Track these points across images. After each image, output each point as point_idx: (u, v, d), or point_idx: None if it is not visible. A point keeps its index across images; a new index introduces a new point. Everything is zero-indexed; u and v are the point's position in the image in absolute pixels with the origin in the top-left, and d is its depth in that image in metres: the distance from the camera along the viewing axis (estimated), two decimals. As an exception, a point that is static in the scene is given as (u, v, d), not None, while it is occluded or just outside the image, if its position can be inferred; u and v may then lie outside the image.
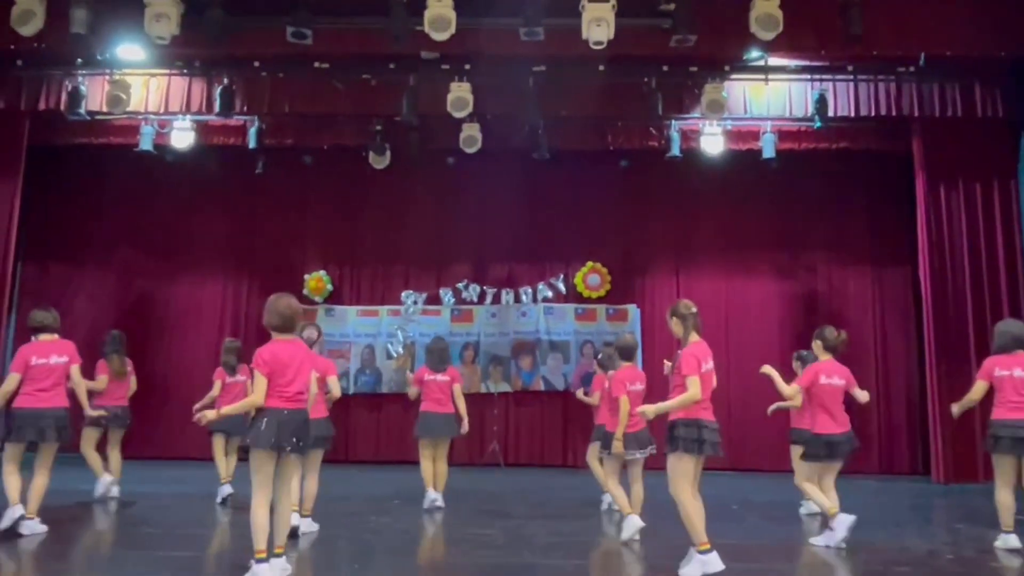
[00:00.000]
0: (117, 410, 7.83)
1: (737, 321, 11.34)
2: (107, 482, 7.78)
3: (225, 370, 7.87)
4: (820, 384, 6.14)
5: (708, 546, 5.04)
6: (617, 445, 6.09)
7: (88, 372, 7.41)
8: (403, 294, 11.65)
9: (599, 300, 11.56)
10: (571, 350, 11.36)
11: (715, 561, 5.01)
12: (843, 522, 5.92)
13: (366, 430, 11.32)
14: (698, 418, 5.11)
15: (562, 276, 11.60)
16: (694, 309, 5.29)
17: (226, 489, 7.75)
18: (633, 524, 6.13)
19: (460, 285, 11.61)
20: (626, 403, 6.07)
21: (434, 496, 7.55)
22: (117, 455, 8.01)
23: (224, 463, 7.86)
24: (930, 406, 9.98)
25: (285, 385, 4.84)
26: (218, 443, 7.86)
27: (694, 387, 5.03)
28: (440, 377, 7.64)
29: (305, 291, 11.54)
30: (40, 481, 6.10)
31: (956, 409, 6.42)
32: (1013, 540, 5.92)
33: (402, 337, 11.46)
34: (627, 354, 6.41)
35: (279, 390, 4.83)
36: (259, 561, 4.70)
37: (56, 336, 6.31)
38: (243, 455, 5.01)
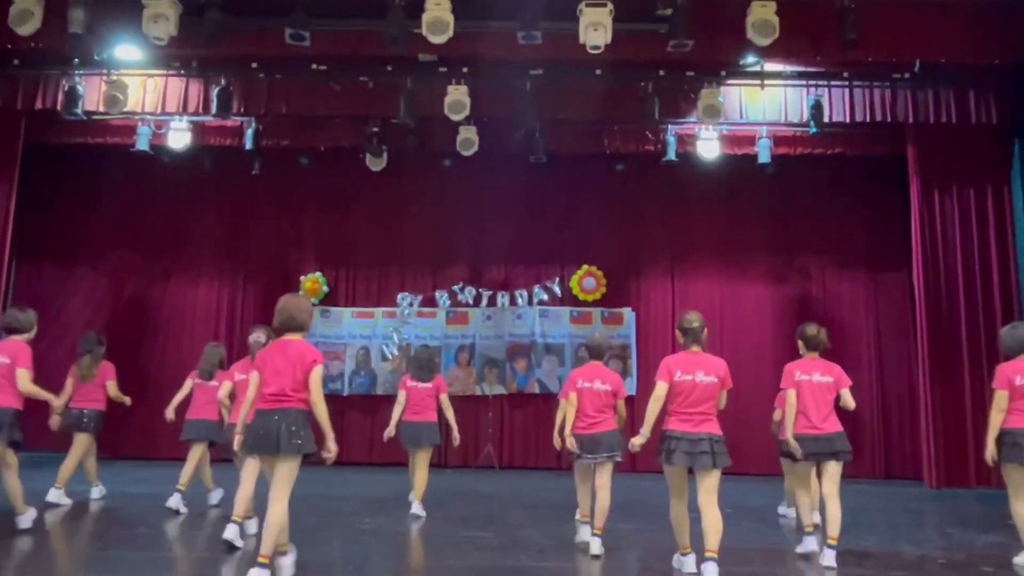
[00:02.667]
0: (77, 413, 7.49)
1: (732, 325, 11.37)
2: (56, 493, 7.36)
3: (200, 375, 7.65)
4: (797, 381, 5.84)
5: (688, 550, 5.26)
6: (557, 441, 6.17)
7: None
8: (399, 296, 11.66)
9: (594, 303, 11.59)
10: (566, 353, 11.38)
11: (689, 563, 5.23)
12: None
13: (361, 432, 11.31)
14: (669, 429, 5.18)
15: (558, 279, 11.62)
16: (695, 324, 5.26)
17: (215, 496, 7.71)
18: (584, 533, 6.03)
19: (456, 287, 11.63)
20: (573, 399, 5.96)
21: (411, 500, 7.42)
22: (89, 461, 7.71)
23: (208, 471, 7.74)
24: (922, 411, 10.02)
25: (263, 386, 4.77)
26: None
27: (656, 390, 5.18)
28: (422, 385, 7.50)
29: (301, 292, 11.53)
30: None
31: (991, 442, 5.67)
32: None
33: (397, 339, 11.47)
34: (594, 353, 6.21)
35: (261, 391, 4.78)
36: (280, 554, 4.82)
37: (18, 336, 6.05)
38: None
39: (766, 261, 11.54)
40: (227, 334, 11.48)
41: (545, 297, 11.58)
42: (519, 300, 11.58)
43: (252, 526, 6.16)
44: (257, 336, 6.36)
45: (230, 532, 5.64)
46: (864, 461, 10.89)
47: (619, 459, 6.00)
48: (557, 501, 8.31)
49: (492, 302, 11.61)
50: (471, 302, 11.62)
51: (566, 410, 6.02)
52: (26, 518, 6.15)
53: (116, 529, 6.84)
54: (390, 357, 11.46)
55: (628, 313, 11.53)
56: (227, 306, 11.74)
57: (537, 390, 11.34)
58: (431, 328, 11.46)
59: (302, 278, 11.63)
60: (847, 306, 11.39)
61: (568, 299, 11.62)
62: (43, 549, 5.92)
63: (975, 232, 10.07)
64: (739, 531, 7.06)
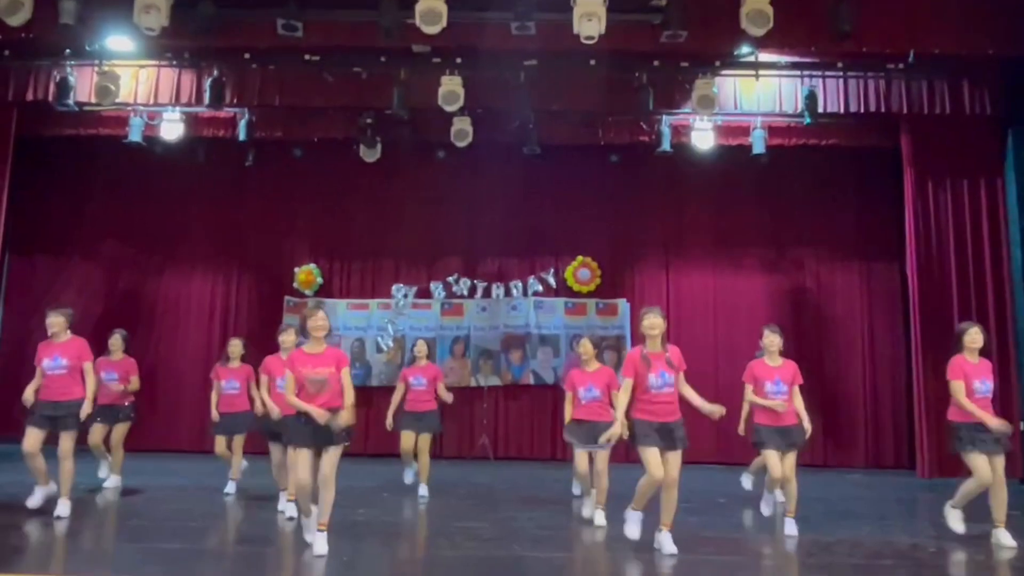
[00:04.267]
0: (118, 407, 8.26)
1: (726, 316, 11.39)
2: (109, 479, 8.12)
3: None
4: None
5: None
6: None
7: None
8: (393, 287, 11.64)
9: (589, 294, 11.58)
10: (561, 344, 11.38)
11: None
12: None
13: (355, 423, 11.29)
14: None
15: (552, 270, 11.62)
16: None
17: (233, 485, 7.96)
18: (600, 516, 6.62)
19: (450, 279, 11.62)
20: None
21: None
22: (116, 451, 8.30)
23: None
24: (916, 401, 10.05)
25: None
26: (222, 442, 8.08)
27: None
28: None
29: (295, 284, 11.54)
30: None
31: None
32: None
33: (392, 330, 11.46)
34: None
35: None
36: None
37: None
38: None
39: (760, 251, 11.54)
40: (221, 325, 11.46)
41: (540, 288, 11.57)
42: (514, 291, 11.57)
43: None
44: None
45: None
46: (856, 451, 10.95)
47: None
48: (551, 492, 8.35)
49: (487, 293, 11.60)
50: (466, 293, 11.61)
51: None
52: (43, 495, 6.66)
53: (116, 520, 6.88)
54: (385, 349, 11.45)
55: (623, 304, 11.53)
56: (221, 297, 11.71)
57: (532, 381, 11.34)
58: (426, 319, 11.45)
59: (296, 269, 11.60)
60: (840, 296, 11.40)
61: (563, 290, 11.62)
62: (41, 539, 5.92)
63: (968, 223, 10.07)
64: (731, 520, 7.11)
